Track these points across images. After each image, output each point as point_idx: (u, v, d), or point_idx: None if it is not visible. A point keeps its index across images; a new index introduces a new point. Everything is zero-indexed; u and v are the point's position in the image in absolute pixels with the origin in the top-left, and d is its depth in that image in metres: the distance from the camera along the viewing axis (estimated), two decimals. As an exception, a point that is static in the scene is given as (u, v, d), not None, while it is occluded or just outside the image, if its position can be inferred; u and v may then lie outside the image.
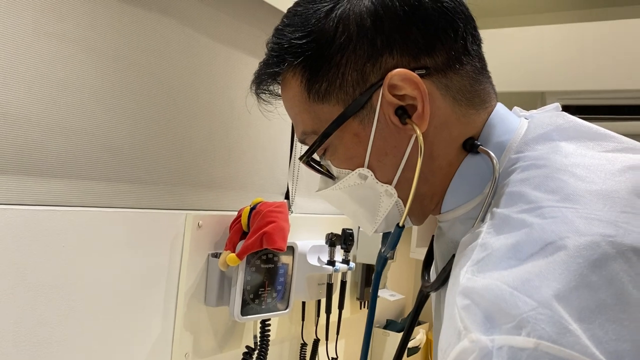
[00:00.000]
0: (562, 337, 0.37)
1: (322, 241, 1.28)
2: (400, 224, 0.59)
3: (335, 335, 1.33)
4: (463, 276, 0.45)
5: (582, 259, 0.39)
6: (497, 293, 0.41)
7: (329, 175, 0.61)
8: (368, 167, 0.57)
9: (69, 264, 0.81)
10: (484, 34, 0.59)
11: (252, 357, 1.05)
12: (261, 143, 1.17)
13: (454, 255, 0.53)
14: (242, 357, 1.04)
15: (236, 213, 1.05)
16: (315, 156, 0.60)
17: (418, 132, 0.53)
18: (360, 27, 0.54)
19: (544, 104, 1.52)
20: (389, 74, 0.53)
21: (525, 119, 0.59)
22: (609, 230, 0.40)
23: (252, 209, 1.01)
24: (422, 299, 0.63)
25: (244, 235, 1.01)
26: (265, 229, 0.97)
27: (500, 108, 0.58)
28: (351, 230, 1.30)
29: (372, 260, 1.41)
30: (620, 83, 1.37)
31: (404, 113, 0.54)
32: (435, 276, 0.62)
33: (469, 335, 0.41)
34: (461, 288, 0.44)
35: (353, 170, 0.57)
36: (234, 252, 0.98)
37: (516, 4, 1.69)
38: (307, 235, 1.25)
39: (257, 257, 1.02)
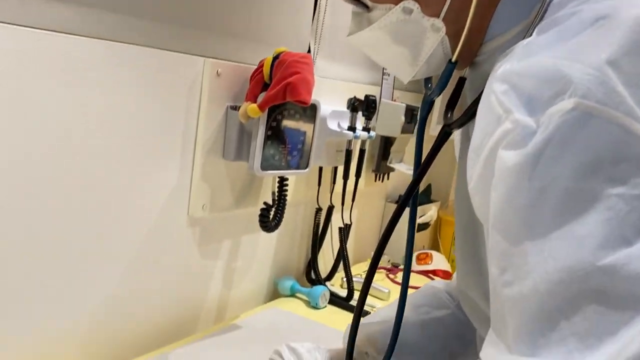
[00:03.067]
0: (608, 97, 0.35)
1: (343, 107, 1.23)
2: (454, 59, 0.55)
3: (351, 203, 1.31)
4: (499, 69, 0.43)
5: (638, 26, 0.37)
6: (539, 67, 0.39)
7: (363, 4, 0.57)
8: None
9: (75, 95, 0.76)
10: None
11: (270, 213, 1.03)
12: (285, -8, 1.08)
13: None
14: (259, 212, 1.03)
15: (255, 66, 0.98)
16: None
17: None
18: None
19: None
20: None
21: None
22: None
23: (274, 58, 0.94)
24: (442, 137, 0.58)
25: (265, 86, 0.95)
26: (290, 79, 0.90)
27: None
28: (374, 97, 1.24)
29: (392, 132, 1.36)
30: None
31: None
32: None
33: (510, 117, 0.40)
34: (498, 75, 0.43)
35: (396, 5, 0.54)
36: (255, 103, 0.92)
37: None
38: (327, 100, 1.19)
39: (278, 112, 0.96)
